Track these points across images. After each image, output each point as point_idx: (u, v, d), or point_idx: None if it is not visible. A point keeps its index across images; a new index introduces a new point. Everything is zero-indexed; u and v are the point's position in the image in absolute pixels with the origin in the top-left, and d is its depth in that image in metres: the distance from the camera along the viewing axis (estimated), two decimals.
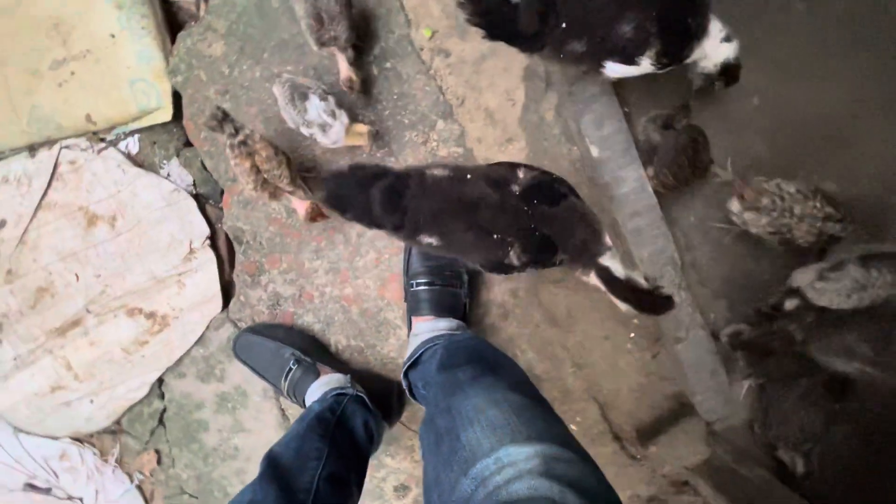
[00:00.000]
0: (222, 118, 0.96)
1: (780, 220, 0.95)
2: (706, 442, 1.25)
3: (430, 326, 1.04)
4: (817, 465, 1.14)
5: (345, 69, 1.02)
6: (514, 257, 0.82)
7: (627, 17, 0.78)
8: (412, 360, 0.99)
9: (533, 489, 0.51)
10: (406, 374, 1.02)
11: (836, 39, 1.05)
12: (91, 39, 1.15)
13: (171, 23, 1.21)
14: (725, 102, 1.07)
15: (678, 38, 0.83)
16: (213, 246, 1.23)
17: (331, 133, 1.02)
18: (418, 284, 1.09)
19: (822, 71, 1.06)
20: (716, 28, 0.85)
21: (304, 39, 1.04)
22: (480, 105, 1.13)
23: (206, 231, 1.22)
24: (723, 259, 1.15)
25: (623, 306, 0.81)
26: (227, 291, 1.26)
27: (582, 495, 0.51)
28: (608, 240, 0.83)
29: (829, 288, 0.97)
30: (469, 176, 0.82)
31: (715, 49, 0.87)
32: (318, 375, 1.10)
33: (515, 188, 0.81)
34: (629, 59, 0.82)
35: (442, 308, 1.07)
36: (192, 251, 1.22)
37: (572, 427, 1.29)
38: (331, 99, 1.00)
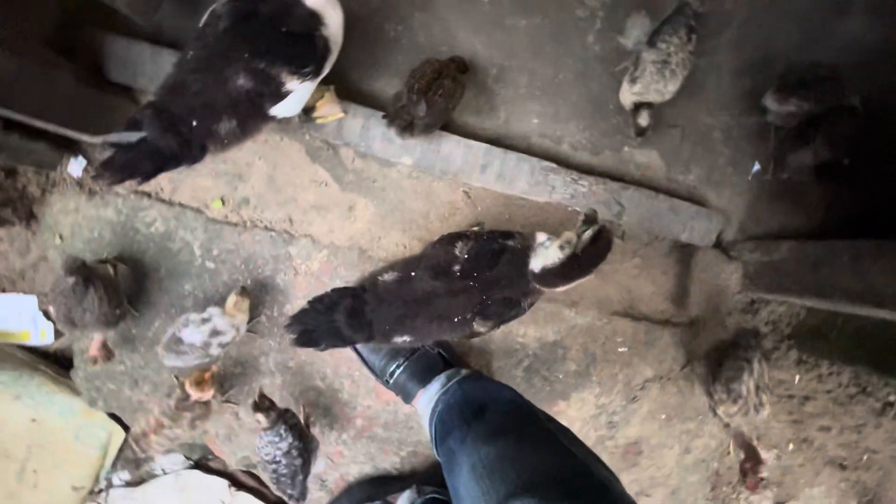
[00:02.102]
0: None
1: None
2: (727, 262, 1.18)
3: (425, 401, 1.03)
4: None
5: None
6: (479, 327, 0.86)
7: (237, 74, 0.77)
8: (432, 440, 0.98)
9: None
10: (438, 456, 1.00)
11: None
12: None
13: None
14: None
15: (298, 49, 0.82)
16: (239, 485, 1.26)
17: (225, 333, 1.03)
18: (391, 374, 1.09)
19: None
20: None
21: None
22: (306, 206, 1.15)
23: (224, 480, 1.25)
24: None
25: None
26: None
27: None
28: (537, 239, 0.83)
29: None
30: (413, 273, 0.85)
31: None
32: None
33: (457, 268, 0.83)
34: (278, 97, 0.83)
35: (423, 377, 1.06)
36: None
37: (621, 350, 1.24)
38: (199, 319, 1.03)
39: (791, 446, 1.40)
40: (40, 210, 1.14)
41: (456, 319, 0.84)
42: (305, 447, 1.02)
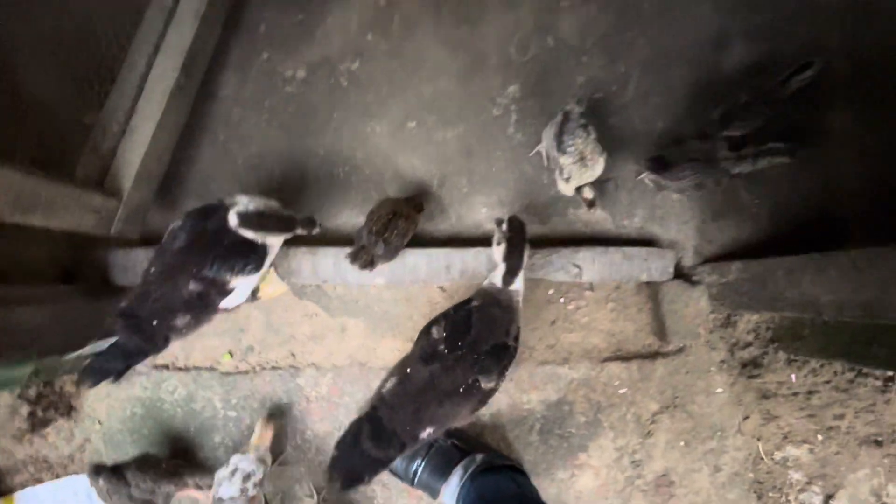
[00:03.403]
0: None
1: None
2: (692, 288, 1.27)
3: (448, 496, 1.10)
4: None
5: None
6: (485, 383, 0.93)
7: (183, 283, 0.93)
8: None
9: None
10: None
11: None
12: None
13: None
14: None
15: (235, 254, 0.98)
16: None
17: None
18: (415, 474, 1.17)
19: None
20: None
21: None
22: (303, 339, 1.27)
23: None
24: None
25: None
26: None
27: None
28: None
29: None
30: (409, 370, 0.93)
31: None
32: None
33: (442, 347, 0.92)
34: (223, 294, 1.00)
35: (443, 471, 1.13)
36: None
37: (622, 391, 1.30)
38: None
39: (820, 437, 1.41)
40: (78, 402, 1.29)
41: (462, 388, 0.90)
42: None
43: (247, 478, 1.12)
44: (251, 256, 0.97)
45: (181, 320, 0.94)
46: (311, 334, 1.27)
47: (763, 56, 1.29)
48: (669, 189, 1.20)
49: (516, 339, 0.97)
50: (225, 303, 0.99)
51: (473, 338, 0.93)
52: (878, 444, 1.43)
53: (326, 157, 1.27)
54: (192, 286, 0.92)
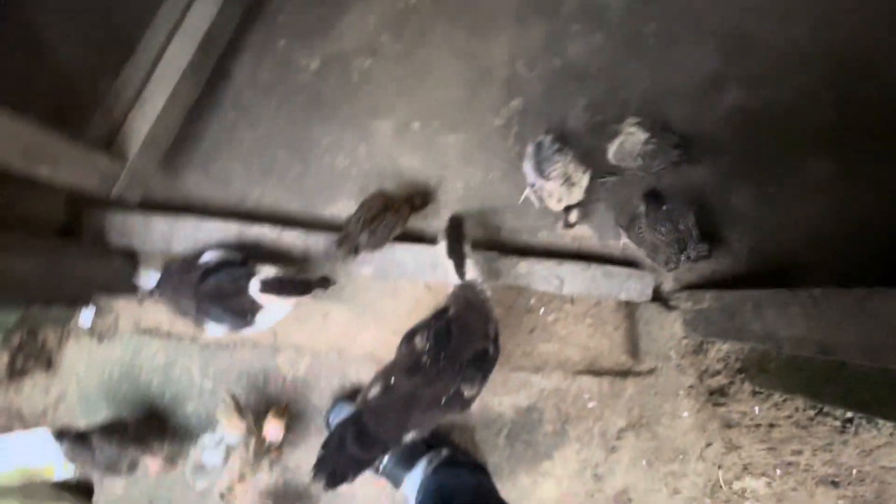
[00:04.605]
0: None
1: None
2: (668, 312, 1.31)
3: (410, 487, 1.12)
4: None
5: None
6: (468, 391, 0.95)
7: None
8: None
9: None
10: None
11: None
12: None
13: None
14: None
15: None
16: None
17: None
18: (381, 463, 1.19)
19: None
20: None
21: None
22: (287, 319, 1.30)
23: None
24: None
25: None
26: None
27: None
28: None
29: None
30: (393, 379, 0.95)
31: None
32: None
33: (425, 359, 0.94)
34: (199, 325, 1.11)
35: (408, 463, 1.16)
36: None
37: (591, 405, 1.34)
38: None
39: (778, 471, 1.45)
40: (58, 357, 1.30)
41: (444, 399, 0.93)
42: None
43: (231, 448, 1.13)
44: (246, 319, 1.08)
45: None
46: (295, 315, 1.29)
47: (754, 102, 1.35)
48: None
49: (496, 339, 1.00)
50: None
51: (454, 348, 0.95)
52: (835, 484, 1.47)
53: (329, 147, 1.31)
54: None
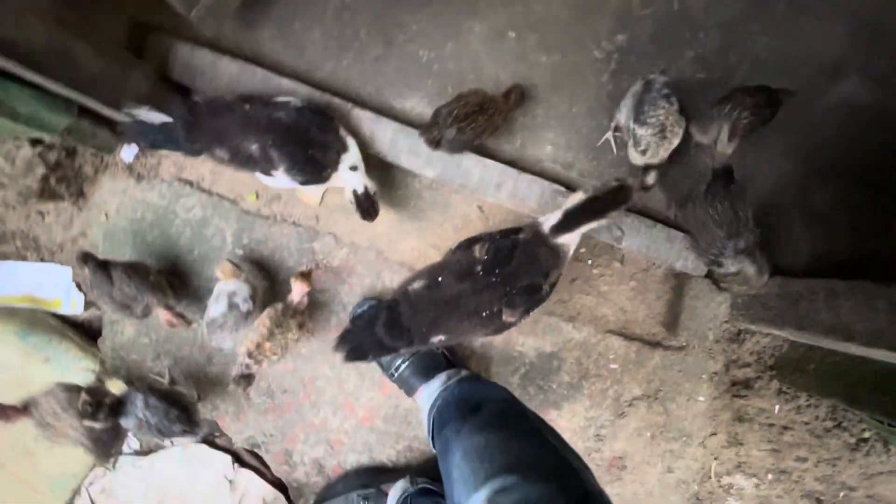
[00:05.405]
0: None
1: None
2: (717, 292, 1.26)
3: (426, 396, 1.10)
4: None
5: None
6: (508, 317, 0.94)
7: (250, 138, 0.95)
8: (428, 431, 1.06)
9: None
10: (434, 446, 1.07)
11: None
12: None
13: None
14: None
15: (302, 162, 0.99)
16: (242, 462, 1.33)
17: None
18: (397, 369, 1.17)
19: None
20: (347, 159, 1.02)
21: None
22: (332, 207, 1.25)
23: (228, 457, 1.32)
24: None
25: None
26: (283, 487, 1.35)
27: None
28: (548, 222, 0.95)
29: None
30: (440, 279, 0.93)
31: (346, 178, 1.05)
32: (386, 495, 1.16)
33: (479, 268, 0.92)
34: (265, 172, 1.00)
35: (426, 373, 1.14)
36: (231, 482, 1.32)
37: (613, 366, 1.31)
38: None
39: (770, 476, 1.45)
40: (91, 189, 1.25)
41: (485, 314, 0.92)
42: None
43: (232, 295, 1.09)
44: (315, 173, 1.01)
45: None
46: (342, 205, 1.24)
47: (869, 100, 1.26)
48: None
49: (552, 286, 0.96)
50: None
51: (512, 270, 0.92)
52: (819, 502, 1.48)
53: (416, 36, 1.22)
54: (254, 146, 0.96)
